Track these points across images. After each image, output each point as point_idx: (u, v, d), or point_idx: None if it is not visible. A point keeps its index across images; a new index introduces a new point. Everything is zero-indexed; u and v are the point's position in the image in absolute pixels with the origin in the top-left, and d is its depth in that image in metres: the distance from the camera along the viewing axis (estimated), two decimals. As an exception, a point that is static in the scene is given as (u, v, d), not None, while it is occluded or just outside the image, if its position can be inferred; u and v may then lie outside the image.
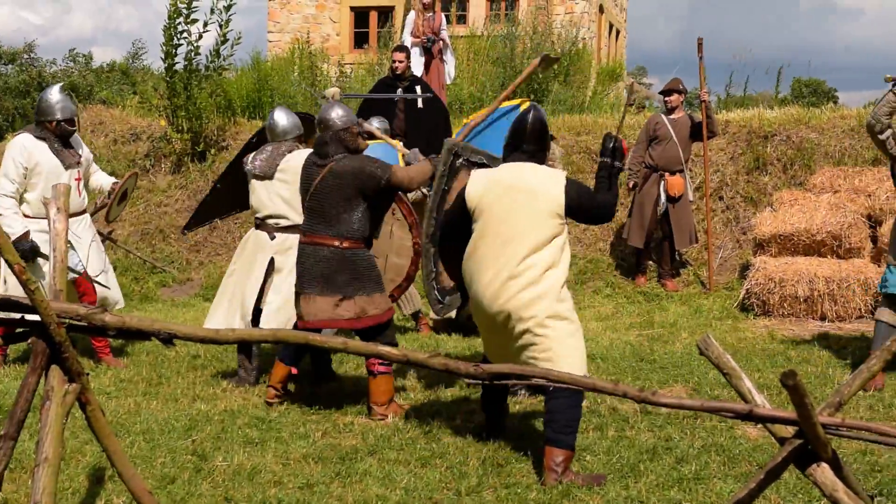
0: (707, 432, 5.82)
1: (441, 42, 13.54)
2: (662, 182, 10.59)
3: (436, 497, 4.82)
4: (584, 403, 6.37)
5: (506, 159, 5.51)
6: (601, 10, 25.69)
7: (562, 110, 14.89)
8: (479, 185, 5.41)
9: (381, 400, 6.20)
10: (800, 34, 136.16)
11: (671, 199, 10.57)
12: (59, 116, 7.39)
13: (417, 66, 13.01)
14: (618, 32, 28.63)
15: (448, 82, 14.04)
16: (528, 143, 5.41)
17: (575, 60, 16.77)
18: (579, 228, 11.54)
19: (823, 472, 3.35)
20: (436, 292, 5.86)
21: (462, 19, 23.07)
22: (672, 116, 10.70)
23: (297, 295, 6.28)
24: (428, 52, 13.26)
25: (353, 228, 6.16)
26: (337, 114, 6.30)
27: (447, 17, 16.55)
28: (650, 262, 10.95)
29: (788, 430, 3.44)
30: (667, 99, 10.84)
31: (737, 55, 45.14)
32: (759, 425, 5.43)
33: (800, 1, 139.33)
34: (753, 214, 11.02)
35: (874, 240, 10.03)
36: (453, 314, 8.39)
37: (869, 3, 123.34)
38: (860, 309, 9.32)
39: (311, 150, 6.49)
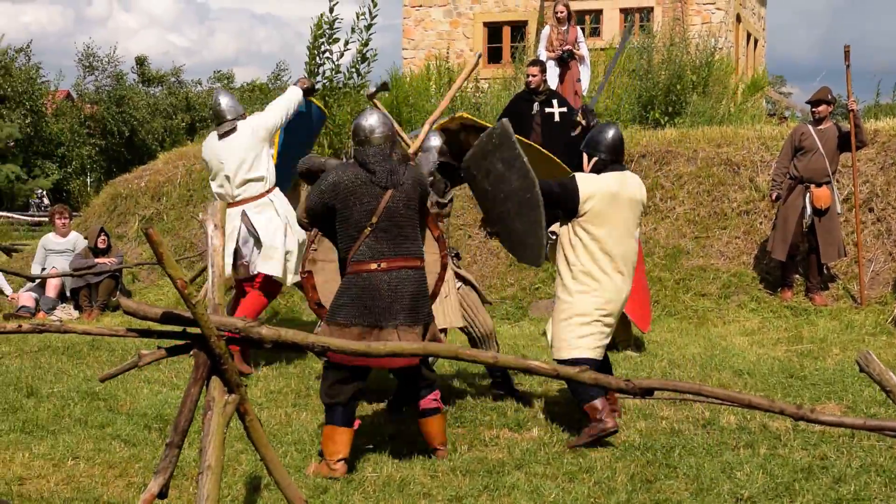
0: (865, 452, 5.63)
1: (578, 55, 13.50)
2: (808, 194, 10.31)
3: (585, 512, 4.79)
4: (733, 419, 6.28)
5: (605, 170, 6.22)
6: (738, 19, 25.21)
7: (701, 122, 14.63)
8: (593, 188, 6.09)
9: (444, 439, 5.72)
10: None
11: (817, 212, 10.27)
12: None
13: (552, 80, 12.99)
14: (756, 41, 28.03)
15: (583, 94, 13.99)
16: (622, 154, 6.33)
17: (713, 71, 16.47)
18: (722, 241, 11.33)
19: None
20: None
21: (595, 31, 22.97)
22: (819, 127, 10.40)
23: (365, 329, 5.40)
24: (564, 65, 13.22)
25: (421, 244, 5.68)
26: (378, 119, 5.61)
27: (581, 30, 16.46)
28: (797, 276, 10.66)
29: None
30: (815, 109, 10.55)
31: (884, 61, 43.60)
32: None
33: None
34: (908, 226, 10.63)
35: None
36: None
37: None
38: None
39: (343, 164, 5.78)
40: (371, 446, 5.84)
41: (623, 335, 8.72)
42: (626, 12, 24.13)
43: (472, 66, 7.62)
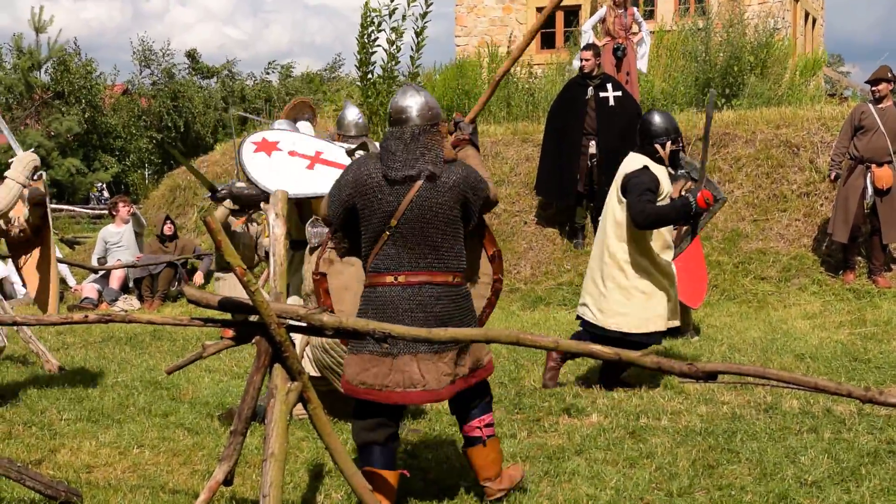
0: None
1: (639, 35, 13.40)
2: (869, 174, 10.13)
3: (647, 498, 4.76)
4: (796, 404, 6.21)
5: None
6: (796, -2, 24.81)
7: (759, 103, 14.45)
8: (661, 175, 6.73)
9: (492, 473, 4.74)
10: None
11: (879, 192, 10.09)
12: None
13: (608, 64, 12.90)
14: (814, 21, 27.56)
15: (644, 71, 13.87)
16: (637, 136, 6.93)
17: (771, 52, 16.24)
18: (781, 224, 11.18)
19: None
20: None
21: (650, 14, 22.73)
22: (880, 106, 10.22)
23: (376, 356, 4.48)
24: (616, 57, 13.12)
25: (461, 258, 4.63)
26: (421, 101, 4.58)
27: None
28: (859, 258, 10.49)
29: None
30: (874, 88, 10.36)
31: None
32: None
33: None
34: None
35: None
36: None
37: None
38: None
39: (368, 155, 4.78)
40: (427, 436, 5.86)
41: (682, 320, 8.65)
42: (681, -6, 23.86)
43: (531, 34, 6.66)
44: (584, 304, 6.96)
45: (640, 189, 6.55)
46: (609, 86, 11.32)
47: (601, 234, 6.96)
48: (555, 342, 3.98)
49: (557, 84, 14.87)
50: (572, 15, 23.21)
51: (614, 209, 6.79)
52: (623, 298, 6.70)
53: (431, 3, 12.45)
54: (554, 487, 4.94)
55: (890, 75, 10.42)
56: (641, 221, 6.53)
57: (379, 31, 13.22)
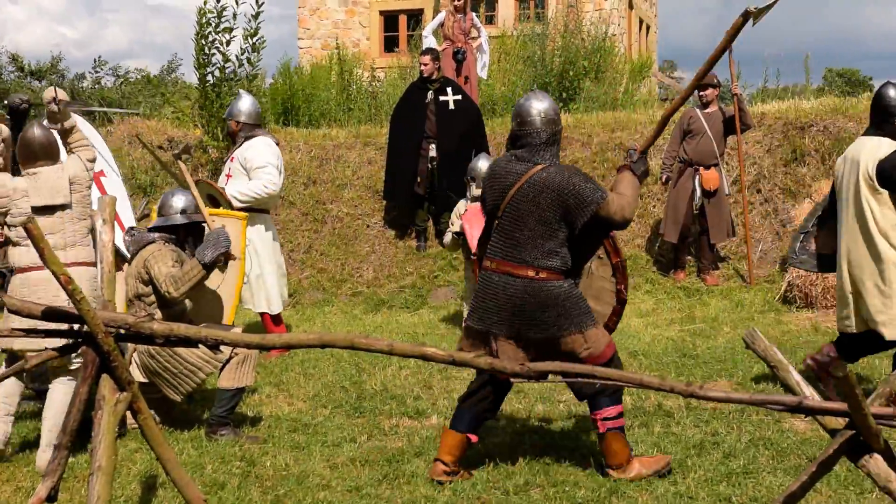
0: (754, 426, 5.79)
1: (478, 41, 13.54)
2: (697, 176, 10.53)
3: (484, 497, 4.84)
4: (629, 400, 6.40)
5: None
6: (630, 5, 25.59)
7: (594, 107, 14.84)
8: (838, 161, 6.26)
9: (616, 461, 5.02)
10: (835, 22, 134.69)
11: (707, 194, 10.49)
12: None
13: (448, 68, 13.01)
14: (648, 27, 28.51)
15: (483, 78, 14.04)
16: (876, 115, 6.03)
17: (605, 57, 16.71)
18: (616, 225, 11.50)
19: (876, 462, 3.33)
20: (798, 244, 6.71)
21: (491, 19, 23.07)
22: (707, 111, 10.64)
23: (483, 335, 5.05)
24: (456, 60, 13.23)
25: (553, 259, 4.93)
26: (543, 104, 5.06)
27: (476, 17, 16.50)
28: (689, 258, 10.90)
29: (839, 422, 3.42)
30: (701, 93, 10.77)
31: (769, 46, 44.68)
32: (807, 419, 5.42)
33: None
34: (793, 206, 10.94)
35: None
36: None
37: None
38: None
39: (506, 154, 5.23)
40: (266, 442, 5.80)
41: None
42: (520, 0, 24.30)
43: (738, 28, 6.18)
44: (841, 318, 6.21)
45: None
46: (449, 89, 11.43)
47: (853, 243, 6.01)
48: (389, 345, 3.99)
49: (400, 87, 14.91)
50: (415, 19, 23.36)
51: (869, 205, 5.90)
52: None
53: (262, 4, 12.25)
54: (393, 491, 4.96)
55: (716, 81, 10.86)
56: None
57: (217, 33, 12.96)
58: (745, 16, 5.29)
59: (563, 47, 16.08)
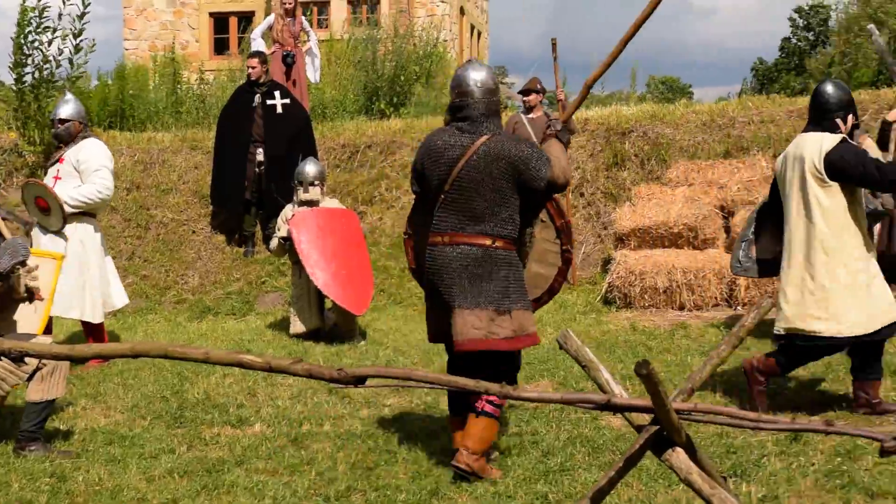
0: (572, 424, 5.92)
1: (308, 45, 13.44)
2: (524, 180, 10.72)
3: (305, 504, 4.78)
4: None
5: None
6: (462, 11, 25.92)
7: (425, 112, 14.95)
8: (779, 160, 6.21)
9: (477, 446, 4.98)
10: (658, 32, 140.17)
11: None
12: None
13: (278, 71, 12.87)
14: (479, 33, 28.93)
15: (314, 82, 13.95)
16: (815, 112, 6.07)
17: (436, 62, 16.87)
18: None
19: (678, 456, 3.45)
20: (741, 252, 6.51)
21: (323, 23, 22.96)
22: (531, 116, 10.86)
23: (436, 310, 5.17)
24: (286, 64, 13.10)
25: (508, 226, 5.03)
26: (480, 74, 5.08)
27: (308, 21, 16.38)
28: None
29: (646, 418, 3.53)
30: (525, 99, 11.00)
31: (594, 55, 45.95)
32: (622, 415, 5.58)
33: None
34: (613, 209, 11.26)
35: (727, 230, 10.37)
36: None
37: (722, 3, 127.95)
38: (716, 297, 9.63)
39: (442, 128, 5.21)
40: (79, 456, 5.59)
41: (348, 325, 8.80)
42: (353, 4, 24.27)
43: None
44: (809, 318, 5.98)
45: (861, 157, 5.84)
46: (277, 93, 11.31)
47: (801, 236, 6.00)
48: (205, 354, 3.89)
49: (229, 90, 14.67)
50: (246, 21, 23.02)
51: (818, 199, 5.91)
52: (851, 296, 5.88)
53: (89, 4, 11.84)
54: (212, 501, 4.86)
55: (540, 86, 11.10)
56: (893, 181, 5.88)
57: (37, 32, 12.44)
58: None
59: (394, 52, 16.14)
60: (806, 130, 6.13)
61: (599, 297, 10.08)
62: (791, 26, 49.78)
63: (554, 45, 10.54)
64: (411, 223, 5.54)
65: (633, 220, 10.21)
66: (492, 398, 4.98)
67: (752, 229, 6.59)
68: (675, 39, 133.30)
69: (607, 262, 10.63)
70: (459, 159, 4.97)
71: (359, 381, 3.77)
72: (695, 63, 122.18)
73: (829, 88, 6.07)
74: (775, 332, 6.17)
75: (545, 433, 5.76)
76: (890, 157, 8.28)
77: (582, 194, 11.70)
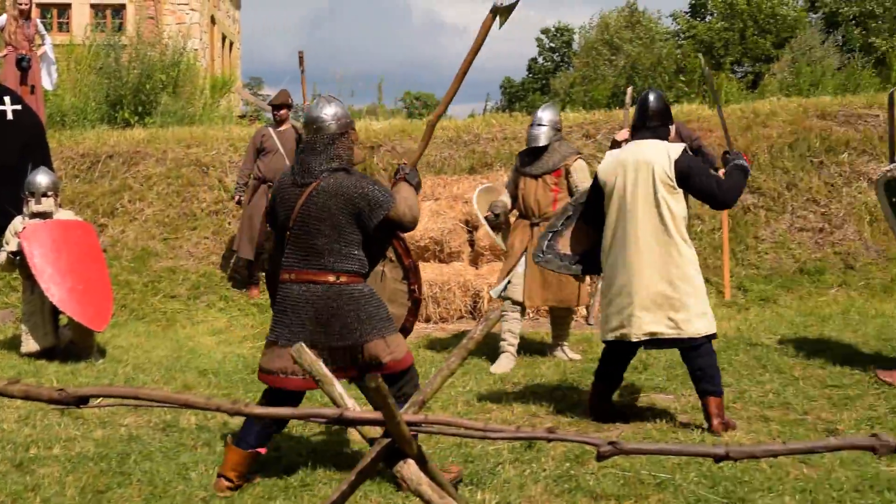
0: (316, 438, 5.90)
1: (43, 48, 12.80)
2: (269, 195, 10.63)
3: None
4: (193, 420, 6.30)
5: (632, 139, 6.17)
6: (213, 21, 25.47)
7: (171, 122, 14.56)
8: (607, 164, 6.10)
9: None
10: (415, 49, 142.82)
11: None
12: None
13: (11, 76, 12.20)
14: (231, 44, 28.49)
15: (50, 89, 13.31)
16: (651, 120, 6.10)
17: (184, 71, 16.47)
18: (191, 242, 11.34)
19: (409, 468, 3.51)
20: (546, 242, 6.37)
21: (63, 27, 21.97)
22: (280, 129, 10.80)
23: (282, 347, 4.97)
24: (21, 68, 12.43)
25: (350, 261, 5.00)
26: (331, 112, 5.09)
27: (47, 23, 15.65)
28: (263, 274, 10.97)
29: (377, 431, 3.56)
30: (276, 113, 10.92)
31: (343, 69, 46.42)
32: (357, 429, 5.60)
33: (411, 17, 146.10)
34: (363, 222, 11.32)
35: (472, 244, 10.66)
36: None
37: (472, 22, 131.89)
38: (461, 310, 9.87)
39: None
40: None
41: (86, 342, 8.42)
42: (96, 8, 23.38)
43: (489, 26, 5.75)
44: (653, 321, 5.97)
45: (705, 169, 6.03)
46: (7, 99, 10.70)
47: (651, 241, 5.96)
48: None
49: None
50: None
51: (667, 202, 5.93)
52: (701, 299, 5.99)
53: None
54: (-78, 536, 4.50)
55: (291, 100, 11.06)
56: (734, 198, 6.10)
57: None
58: (494, 12, 5.63)
59: (138, 59, 15.63)
60: (642, 137, 6.12)
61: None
62: (538, 47, 52.05)
63: (301, 58, 10.53)
64: (271, 260, 5.53)
65: (380, 234, 10.30)
66: None
67: (562, 222, 6.56)
68: (431, 56, 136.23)
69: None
70: (301, 196, 5.01)
71: (81, 401, 3.60)
72: (450, 80, 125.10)
73: (657, 97, 6.17)
74: (607, 339, 6.14)
75: (287, 449, 5.70)
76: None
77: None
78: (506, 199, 8.06)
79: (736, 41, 35.32)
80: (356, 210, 4.96)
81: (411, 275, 5.50)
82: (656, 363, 7.69)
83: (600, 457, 3.14)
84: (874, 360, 7.57)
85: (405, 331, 5.47)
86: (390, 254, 5.47)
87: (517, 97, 47.75)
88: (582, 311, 9.38)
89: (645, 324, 5.96)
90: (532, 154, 8.02)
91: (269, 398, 5.13)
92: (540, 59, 51.39)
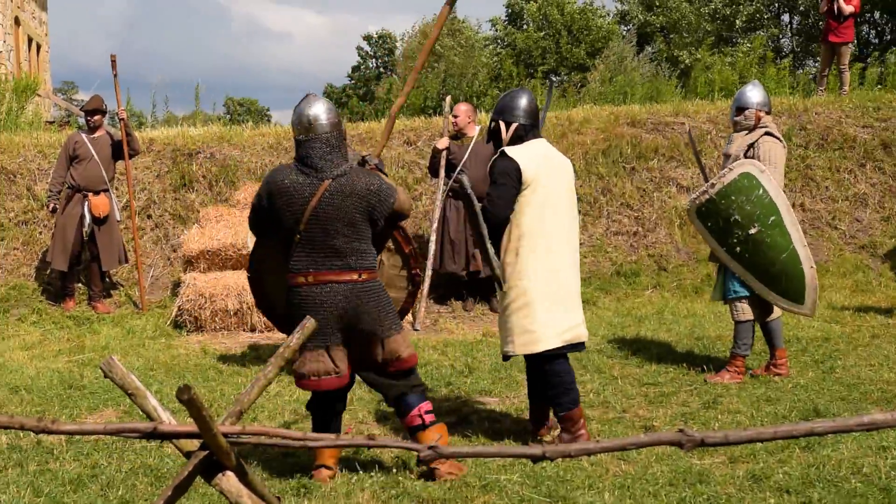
0: (136, 454, 5.75)
1: None
2: (86, 202, 10.29)
3: None
4: (4, 440, 6.03)
5: (526, 137, 5.75)
6: (17, 22, 24.40)
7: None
8: (529, 160, 5.61)
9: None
10: (235, 55, 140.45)
11: (96, 220, 10.30)
12: None
13: None
14: (38, 46, 27.36)
15: None
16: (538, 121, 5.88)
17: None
18: (-1, 254, 10.84)
19: (228, 480, 3.45)
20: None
21: None
22: (94, 135, 10.45)
23: (312, 350, 5.06)
24: None
25: (368, 258, 5.12)
26: (323, 109, 5.06)
27: None
28: (79, 285, 10.59)
29: (194, 444, 3.49)
30: (89, 118, 10.56)
31: (161, 75, 45.32)
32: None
33: (231, 23, 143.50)
34: (182, 232, 11.10)
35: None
36: None
37: (296, 28, 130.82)
38: (286, 317, 9.78)
39: (286, 165, 5.19)
40: None
41: None
42: None
43: (446, 16, 5.99)
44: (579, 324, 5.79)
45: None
46: None
47: (568, 238, 5.78)
48: None
49: None
50: None
51: (572, 204, 5.86)
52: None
53: None
54: None
55: (104, 106, 10.72)
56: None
57: None
58: (451, 3, 5.80)
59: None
60: (532, 138, 5.78)
61: (169, 322, 9.88)
62: (359, 55, 52.06)
63: (114, 62, 10.20)
64: (254, 262, 5.48)
65: (201, 243, 10.12)
66: (426, 407, 5.20)
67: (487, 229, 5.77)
68: (254, 62, 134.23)
69: (177, 285, 10.46)
70: (311, 198, 4.97)
71: None
72: (274, 86, 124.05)
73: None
74: (554, 350, 5.69)
75: (106, 466, 5.53)
76: (441, 183, 8.90)
77: (150, 216, 11.43)
78: None
79: (552, 50, 36.29)
80: (369, 207, 5.05)
81: (412, 260, 5.67)
82: (481, 367, 7.83)
83: (421, 461, 3.18)
84: (687, 358, 7.94)
85: (404, 311, 5.72)
86: (390, 243, 5.59)
87: (340, 103, 47.72)
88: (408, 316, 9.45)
89: (580, 331, 5.81)
90: None
91: (316, 401, 5.32)
92: (362, 67, 51.45)
